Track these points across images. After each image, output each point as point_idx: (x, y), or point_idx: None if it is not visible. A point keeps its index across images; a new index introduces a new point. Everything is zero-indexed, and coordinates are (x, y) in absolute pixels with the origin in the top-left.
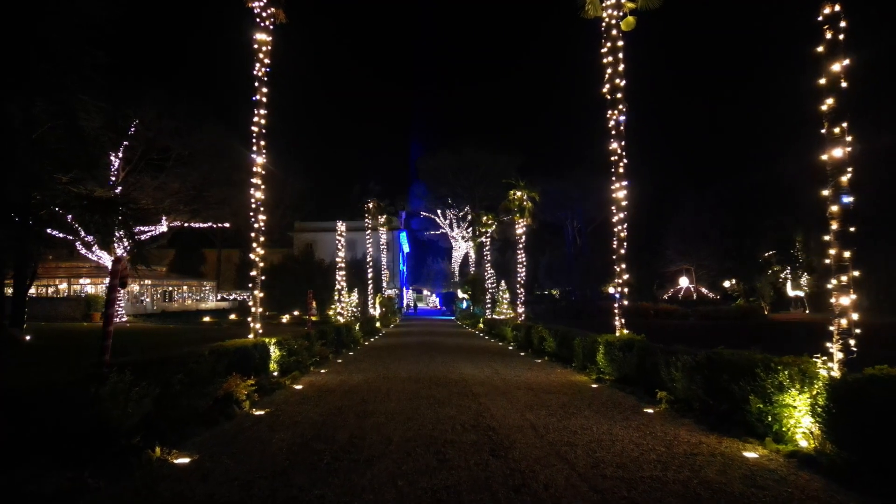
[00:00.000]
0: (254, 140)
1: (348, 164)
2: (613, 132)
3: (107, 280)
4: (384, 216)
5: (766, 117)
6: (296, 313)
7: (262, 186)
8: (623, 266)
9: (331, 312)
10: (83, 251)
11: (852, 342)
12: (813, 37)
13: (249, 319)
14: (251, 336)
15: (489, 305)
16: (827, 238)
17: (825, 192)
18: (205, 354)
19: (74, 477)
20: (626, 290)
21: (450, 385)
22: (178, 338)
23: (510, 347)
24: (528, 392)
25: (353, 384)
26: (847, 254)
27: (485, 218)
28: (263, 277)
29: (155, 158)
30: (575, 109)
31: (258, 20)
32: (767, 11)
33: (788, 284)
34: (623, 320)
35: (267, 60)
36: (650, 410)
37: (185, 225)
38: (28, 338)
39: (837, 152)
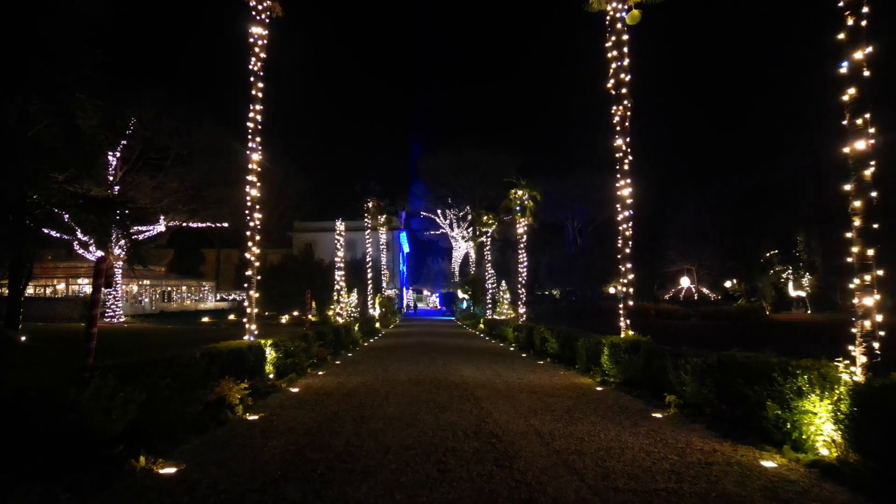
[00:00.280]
0: (249, 136)
1: (348, 164)
2: (618, 128)
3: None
4: (384, 216)
5: (768, 116)
6: (295, 314)
7: (258, 184)
8: (628, 266)
9: (330, 313)
10: (80, 251)
11: (876, 345)
12: (814, 33)
13: (244, 320)
14: (247, 337)
15: (490, 306)
16: (849, 235)
17: (847, 187)
18: (196, 357)
19: (45, 492)
20: (630, 289)
21: (450, 388)
22: (176, 338)
23: (511, 348)
24: (531, 395)
25: (351, 387)
26: (871, 251)
27: (485, 217)
28: (259, 277)
29: (153, 158)
30: (575, 109)
31: (254, 13)
32: (768, 11)
33: (790, 284)
34: (628, 321)
35: (263, 55)
36: (658, 415)
37: (184, 225)
38: (23, 338)
39: (860, 145)
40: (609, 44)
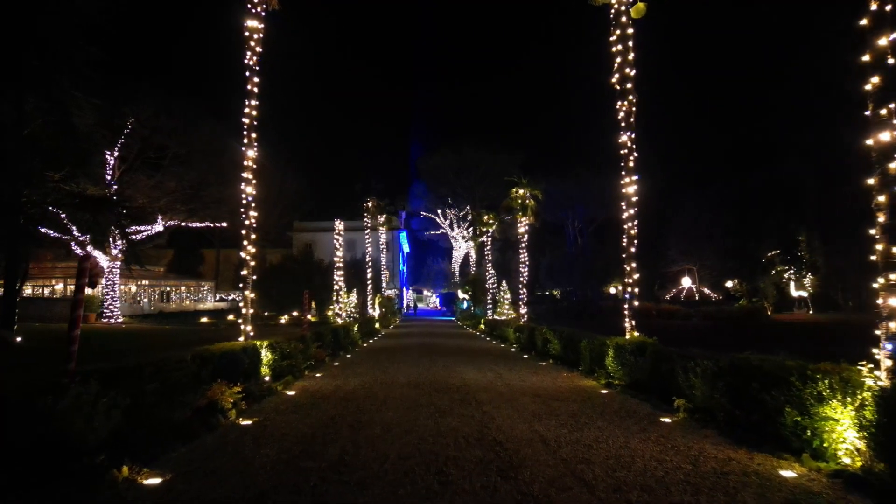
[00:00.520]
0: (245, 132)
1: (348, 164)
2: (623, 123)
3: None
4: (384, 215)
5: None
6: (295, 314)
7: (254, 181)
8: (633, 265)
9: (330, 313)
10: (78, 251)
11: None
12: (814, 33)
13: (240, 321)
14: (242, 339)
15: (490, 306)
16: (873, 232)
17: (870, 181)
18: (187, 360)
19: None
20: (636, 290)
21: (451, 391)
22: (173, 339)
23: (512, 349)
24: (534, 399)
25: (349, 390)
26: None
27: (486, 217)
28: (255, 277)
29: (152, 157)
30: (576, 109)
31: (249, 6)
32: (769, 10)
33: (792, 285)
34: (633, 322)
35: (259, 49)
36: (667, 420)
37: (182, 224)
38: (19, 339)
39: (884, 136)
40: (614, 37)
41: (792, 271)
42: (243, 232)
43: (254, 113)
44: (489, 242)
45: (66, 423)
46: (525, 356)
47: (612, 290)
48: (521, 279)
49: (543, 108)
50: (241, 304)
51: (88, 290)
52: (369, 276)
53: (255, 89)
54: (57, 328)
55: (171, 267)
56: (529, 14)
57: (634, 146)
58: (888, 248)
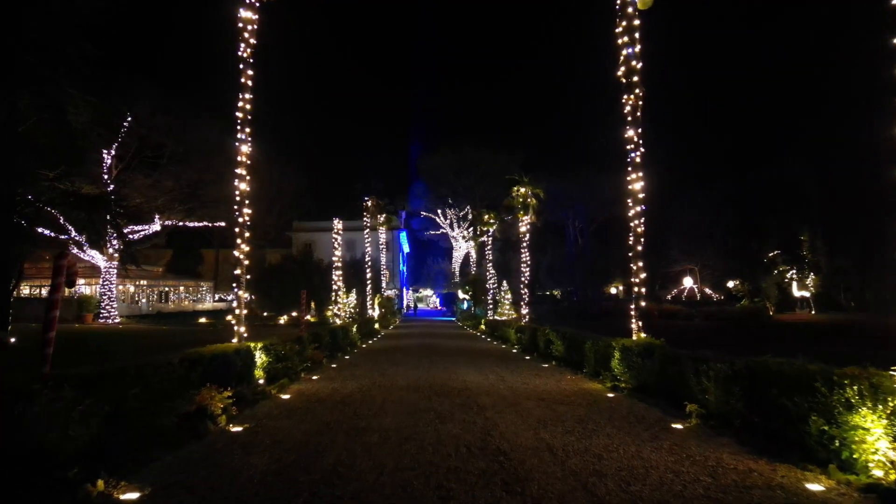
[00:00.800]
0: (238, 127)
1: (348, 164)
2: (629, 118)
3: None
4: (383, 215)
5: (772, 114)
6: (294, 314)
7: (248, 178)
8: (640, 264)
9: (329, 314)
10: (74, 250)
11: None
12: (816, 32)
13: (233, 322)
14: (235, 340)
15: (491, 306)
16: None
17: None
18: (174, 363)
19: None
20: (642, 289)
21: (452, 395)
22: (169, 340)
23: (514, 350)
24: (538, 403)
25: (346, 393)
26: None
27: (486, 216)
28: (249, 277)
29: (149, 156)
30: (576, 108)
31: None
32: (770, 11)
33: (794, 285)
34: (640, 323)
35: (253, 41)
36: (679, 426)
37: (179, 224)
38: (13, 340)
39: None
40: (619, 29)
41: (794, 271)
42: (237, 230)
43: (248, 107)
44: (490, 242)
45: (37, 432)
46: (527, 357)
47: (613, 291)
48: (523, 279)
49: (544, 108)
50: (234, 305)
51: (89, 289)
52: (369, 276)
53: (249, 82)
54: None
55: (170, 267)
56: (529, 14)
57: (640, 142)
58: None
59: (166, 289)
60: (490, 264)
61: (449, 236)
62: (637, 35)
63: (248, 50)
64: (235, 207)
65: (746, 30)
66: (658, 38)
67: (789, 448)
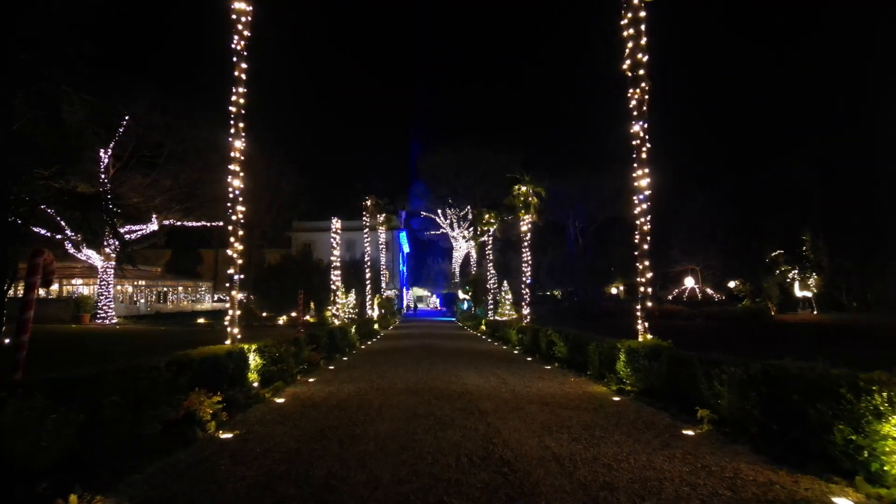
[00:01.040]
0: (232, 121)
1: (348, 164)
2: (635, 112)
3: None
4: (383, 214)
5: (774, 113)
6: (293, 315)
7: (241, 174)
8: (646, 263)
9: (328, 314)
10: (71, 250)
11: None
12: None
13: (226, 323)
14: (228, 342)
15: (491, 307)
16: None
17: None
18: (160, 367)
19: None
20: (649, 289)
21: (452, 399)
22: (165, 340)
23: (515, 352)
24: (542, 407)
25: (343, 397)
26: None
27: (486, 216)
28: (246, 276)
29: (147, 155)
30: (577, 108)
31: None
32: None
33: (796, 285)
34: (646, 324)
35: (247, 32)
36: (690, 432)
37: (176, 224)
38: (7, 341)
39: None
40: (625, 21)
41: (796, 271)
42: (230, 228)
43: (241, 101)
44: (490, 242)
45: (2, 443)
46: (529, 359)
47: (614, 291)
48: (524, 278)
49: (544, 108)
50: (227, 306)
51: (86, 290)
52: (368, 276)
53: (244, 76)
54: (48, 329)
55: (169, 267)
56: (530, 13)
57: (647, 137)
58: None
59: (165, 289)
60: (490, 264)
61: (449, 236)
62: (643, 27)
63: (242, 42)
64: (229, 205)
65: (748, 30)
66: (659, 38)
67: (811, 458)
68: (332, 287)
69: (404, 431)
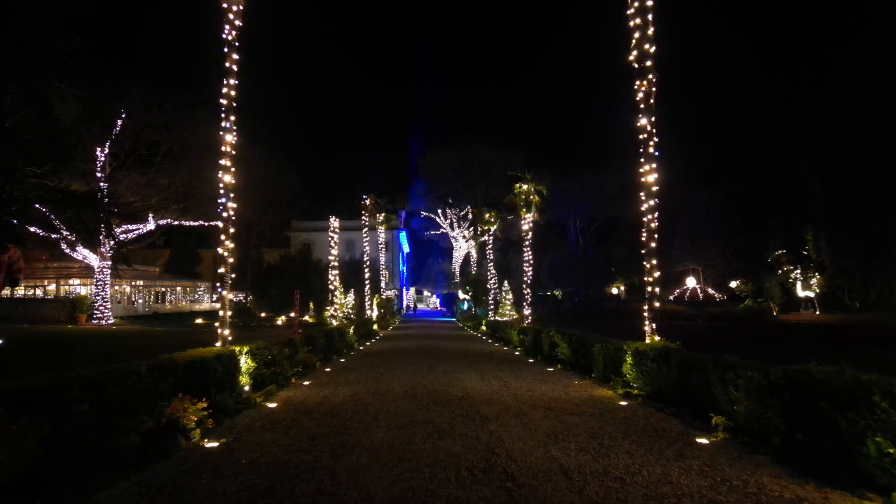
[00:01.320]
0: (222, 113)
1: (348, 163)
2: (642, 105)
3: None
4: (382, 214)
5: (777, 113)
6: (292, 315)
7: (233, 169)
8: (653, 262)
9: (327, 315)
10: (67, 250)
11: None
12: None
13: (216, 324)
14: (219, 344)
15: (492, 307)
16: None
17: None
18: (140, 371)
19: None
20: (656, 289)
21: (452, 404)
22: (160, 341)
23: (516, 353)
24: (546, 413)
25: (337, 402)
26: None
27: (487, 215)
28: (234, 275)
29: (144, 154)
30: (578, 108)
31: None
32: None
33: (798, 285)
34: (654, 325)
35: (238, 22)
36: (704, 440)
37: (172, 223)
38: (1, 342)
39: None
40: (631, 10)
41: (798, 271)
42: (221, 225)
43: (232, 93)
44: (490, 242)
45: None
46: (530, 360)
47: (615, 291)
48: (525, 278)
49: (545, 107)
50: (218, 307)
51: (84, 290)
52: (367, 276)
53: (234, 67)
54: (43, 330)
55: (168, 267)
56: (533, 11)
57: (654, 130)
58: None
59: (163, 289)
60: (491, 264)
61: (449, 236)
62: (650, 17)
63: (233, 32)
64: (220, 202)
65: (750, 29)
66: (660, 37)
67: (842, 471)
68: (330, 287)
69: (401, 440)
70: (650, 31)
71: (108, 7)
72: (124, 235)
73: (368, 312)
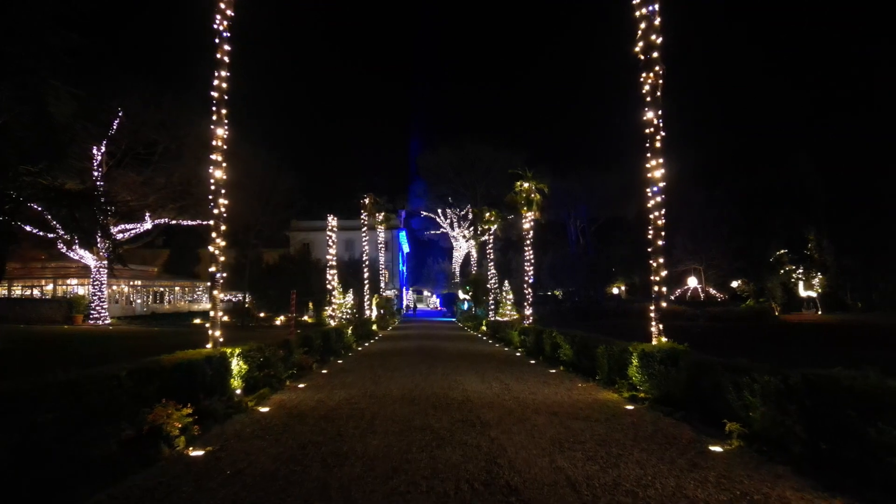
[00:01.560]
0: (214, 107)
1: (348, 163)
2: (648, 98)
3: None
4: (381, 213)
5: (779, 112)
6: (291, 315)
7: (224, 164)
8: (660, 260)
9: (325, 315)
10: (64, 249)
11: None
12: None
13: (208, 326)
14: (210, 345)
15: (492, 307)
16: None
17: None
18: (121, 376)
19: None
20: (663, 289)
21: (451, 408)
22: (156, 341)
23: (518, 354)
24: (550, 419)
25: (332, 405)
26: None
27: (488, 214)
28: (225, 274)
29: (141, 153)
30: (578, 108)
31: None
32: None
33: (800, 285)
34: (661, 326)
35: (230, 12)
36: (718, 448)
37: (170, 222)
38: None
39: None
40: (636, 1)
41: (800, 271)
42: (212, 223)
43: (224, 86)
44: (491, 241)
45: None
46: (532, 362)
47: (615, 291)
48: (526, 278)
49: (546, 107)
50: (210, 310)
51: (82, 289)
52: (366, 275)
53: (226, 58)
54: (41, 330)
55: (166, 267)
56: (533, 9)
57: (661, 124)
58: None
59: (162, 289)
60: (491, 264)
61: (449, 236)
62: (657, 6)
63: (225, 23)
64: (210, 197)
65: (752, 29)
66: (666, 27)
67: (872, 485)
68: (329, 287)
69: (397, 449)
70: (657, 20)
71: (105, 3)
72: (121, 235)
73: (368, 312)
